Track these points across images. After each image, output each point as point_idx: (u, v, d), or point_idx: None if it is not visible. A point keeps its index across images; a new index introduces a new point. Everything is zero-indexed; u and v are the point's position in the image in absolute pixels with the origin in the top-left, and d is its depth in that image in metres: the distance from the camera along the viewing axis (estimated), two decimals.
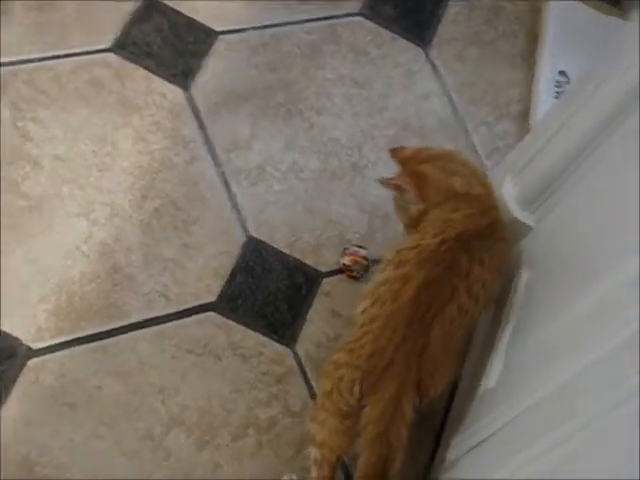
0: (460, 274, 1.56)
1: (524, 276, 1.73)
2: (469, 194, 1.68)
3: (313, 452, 1.61)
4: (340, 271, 1.92)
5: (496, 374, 1.63)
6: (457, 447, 1.64)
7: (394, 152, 1.75)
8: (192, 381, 1.76)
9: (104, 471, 1.65)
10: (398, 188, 1.71)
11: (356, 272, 1.93)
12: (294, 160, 2.05)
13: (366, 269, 1.93)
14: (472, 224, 1.63)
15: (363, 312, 1.58)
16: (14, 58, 1.97)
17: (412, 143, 1.99)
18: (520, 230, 1.82)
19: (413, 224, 1.70)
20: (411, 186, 1.69)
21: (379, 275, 1.60)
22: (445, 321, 1.54)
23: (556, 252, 1.65)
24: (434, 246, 1.58)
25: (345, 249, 1.94)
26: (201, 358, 1.79)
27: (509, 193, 1.87)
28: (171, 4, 2.12)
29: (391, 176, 1.73)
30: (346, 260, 1.93)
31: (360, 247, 1.95)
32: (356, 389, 1.54)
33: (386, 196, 1.79)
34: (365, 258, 1.93)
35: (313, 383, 1.83)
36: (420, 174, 1.70)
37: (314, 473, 1.61)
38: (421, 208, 1.69)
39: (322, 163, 2.06)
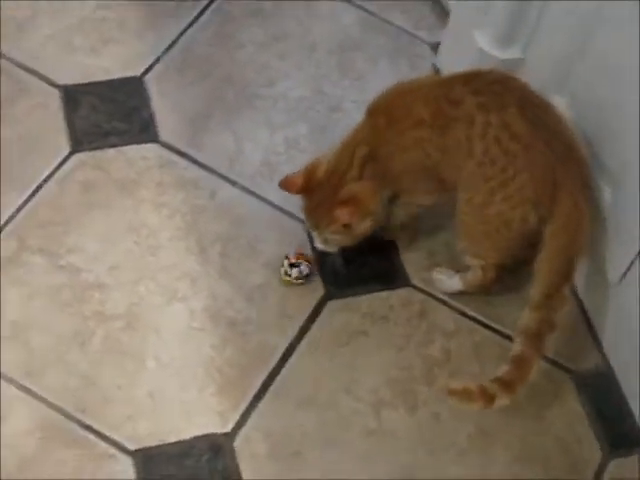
0: None
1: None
2: None
3: None
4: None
5: None
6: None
7: (286, 184, 1.73)
8: (362, 366, 1.77)
9: None
10: (345, 225, 1.69)
11: (299, 274, 1.82)
12: (285, 137, 2.02)
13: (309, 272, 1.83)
14: None
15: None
16: (7, 215, 1.86)
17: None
18: (514, 68, 1.84)
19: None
20: (352, 216, 1.68)
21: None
22: None
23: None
24: None
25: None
26: (353, 344, 1.79)
27: (484, 44, 1.89)
28: (86, 80, 2.03)
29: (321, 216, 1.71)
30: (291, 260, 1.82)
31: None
32: (531, 217, 1.60)
33: None
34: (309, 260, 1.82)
35: (445, 298, 1.84)
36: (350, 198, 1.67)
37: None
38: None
39: (307, 124, 2.03)
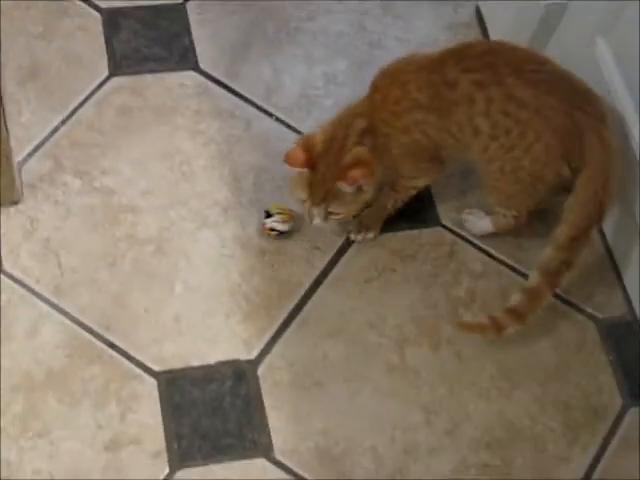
0: None
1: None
2: None
3: None
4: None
5: None
6: None
7: (291, 160, 1.65)
8: (389, 302, 1.76)
9: (385, 417, 1.66)
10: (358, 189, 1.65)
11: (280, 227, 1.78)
12: (324, 72, 2.00)
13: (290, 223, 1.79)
14: None
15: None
16: (43, 134, 1.85)
17: None
18: (557, 13, 1.81)
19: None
20: (365, 177, 1.63)
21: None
22: None
23: None
24: None
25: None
26: (381, 279, 1.79)
27: None
28: (128, 4, 2.02)
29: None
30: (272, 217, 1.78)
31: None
32: (564, 170, 1.59)
33: None
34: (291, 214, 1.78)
35: (474, 240, 1.82)
36: (359, 161, 1.63)
37: None
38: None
39: (346, 60, 2.01)
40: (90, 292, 1.68)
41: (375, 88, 1.64)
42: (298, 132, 1.89)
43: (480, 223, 1.79)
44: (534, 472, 1.62)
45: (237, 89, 1.94)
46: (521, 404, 1.67)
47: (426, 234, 1.83)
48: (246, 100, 1.93)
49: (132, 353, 1.64)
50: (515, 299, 1.62)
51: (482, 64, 1.57)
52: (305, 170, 1.62)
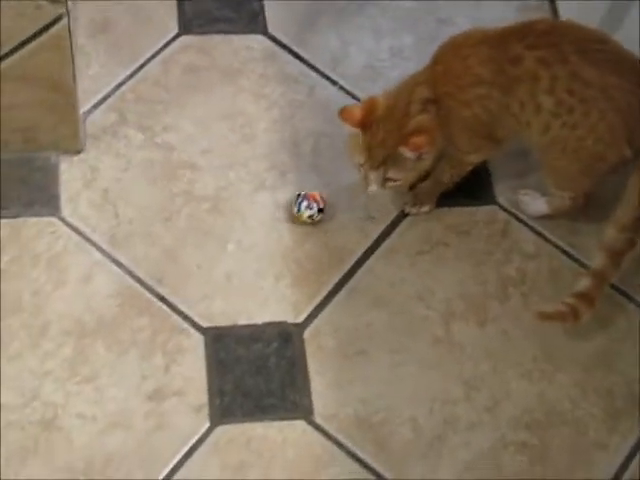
0: None
1: None
2: None
3: None
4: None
5: None
6: None
7: (346, 115, 1.64)
8: (439, 276, 1.75)
9: (426, 390, 1.66)
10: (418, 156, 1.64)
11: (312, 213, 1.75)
12: (390, 46, 2.00)
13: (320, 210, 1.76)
14: None
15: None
16: (110, 87, 1.86)
17: None
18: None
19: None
20: (427, 144, 1.62)
21: None
22: None
23: None
24: None
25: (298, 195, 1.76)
26: (433, 253, 1.78)
27: None
28: None
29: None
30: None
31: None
32: (627, 151, 1.57)
33: None
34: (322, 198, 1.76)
35: (529, 221, 1.80)
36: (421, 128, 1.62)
37: None
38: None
39: (413, 35, 2.01)
40: (144, 244, 1.69)
41: (436, 60, 1.64)
42: (360, 101, 1.87)
43: (535, 204, 1.77)
44: (572, 455, 1.61)
45: (303, 55, 1.94)
46: (563, 387, 1.66)
47: (481, 211, 1.82)
48: (311, 67, 1.93)
49: (181, 307, 1.65)
50: (584, 284, 1.62)
51: (547, 42, 1.56)
52: (359, 132, 1.60)
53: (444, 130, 1.63)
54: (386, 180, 1.65)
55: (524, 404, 1.64)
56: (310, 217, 1.74)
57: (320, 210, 1.73)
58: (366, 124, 1.60)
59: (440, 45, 1.64)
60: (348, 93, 1.91)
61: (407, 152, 1.60)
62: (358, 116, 1.59)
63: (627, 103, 1.53)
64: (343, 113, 1.60)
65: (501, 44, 1.57)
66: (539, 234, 1.80)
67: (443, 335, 1.69)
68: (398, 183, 1.66)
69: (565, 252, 1.79)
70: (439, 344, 1.68)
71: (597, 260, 1.62)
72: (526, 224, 1.81)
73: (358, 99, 1.89)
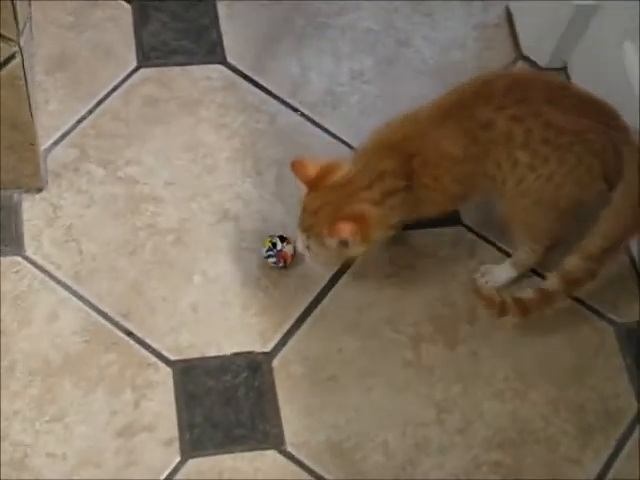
0: None
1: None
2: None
3: None
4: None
5: None
6: None
7: (299, 167, 1.60)
8: (406, 299, 1.78)
9: (398, 413, 1.68)
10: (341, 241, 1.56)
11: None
12: (350, 68, 2.02)
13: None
14: None
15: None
16: (70, 123, 1.89)
17: None
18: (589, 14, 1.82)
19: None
20: (351, 235, 1.54)
21: None
22: None
23: None
24: None
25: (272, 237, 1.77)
26: (400, 276, 1.81)
27: None
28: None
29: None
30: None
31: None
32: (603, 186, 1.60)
33: None
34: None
35: (494, 240, 1.83)
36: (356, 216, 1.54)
37: None
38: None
39: (374, 56, 2.03)
40: (109, 280, 1.71)
41: (410, 151, 1.58)
42: (323, 128, 1.91)
43: (500, 271, 1.78)
44: (545, 473, 1.63)
45: (263, 84, 1.97)
46: (535, 405, 1.69)
47: (447, 233, 1.84)
48: (272, 95, 1.95)
49: (148, 341, 1.67)
50: (527, 294, 1.65)
51: (514, 99, 1.55)
52: (304, 187, 1.57)
53: (410, 210, 1.61)
54: (308, 247, 1.61)
55: (496, 424, 1.67)
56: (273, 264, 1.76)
57: (284, 266, 1.75)
58: (315, 185, 1.56)
59: (401, 132, 1.59)
60: (310, 120, 1.92)
61: (325, 234, 1.54)
62: (310, 174, 1.56)
63: (601, 143, 1.57)
64: (296, 165, 1.57)
65: (467, 113, 1.55)
66: (505, 253, 1.82)
67: (413, 358, 1.71)
68: (319, 258, 1.62)
69: (533, 270, 1.80)
70: (409, 367, 1.70)
71: (549, 281, 1.65)
72: (492, 243, 1.83)
73: (320, 126, 1.91)
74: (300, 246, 1.62)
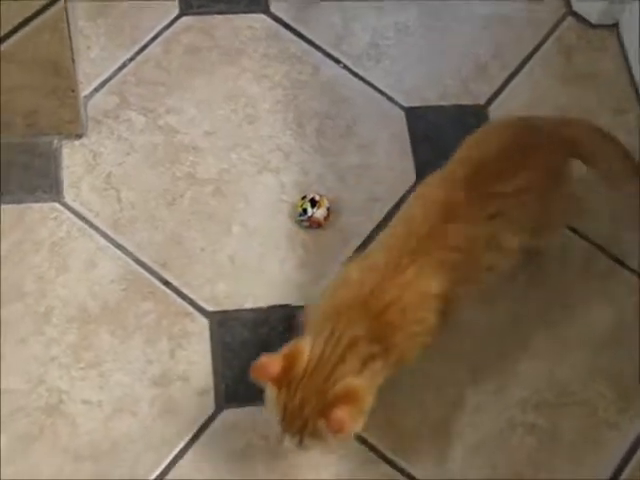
0: None
1: None
2: None
3: None
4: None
5: None
6: None
7: (260, 371, 1.38)
8: None
9: (433, 373, 1.69)
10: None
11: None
12: (395, 21, 2.01)
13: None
14: None
15: None
16: (111, 70, 1.89)
17: None
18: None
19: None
20: (352, 419, 1.36)
21: None
22: None
23: None
24: None
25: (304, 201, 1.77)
26: None
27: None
28: None
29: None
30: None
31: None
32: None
33: None
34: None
35: None
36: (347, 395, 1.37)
37: None
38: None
39: (418, 8, 2.02)
40: (148, 229, 1.72)
41: (378, 308, 1.43)
42: (365, 81, 1.91)
43: None
44: (582, 436, 1.63)
45: (306, 34, 1.96)
46: (573, 368, 1.69)
47: None
48: (315, 46, 1.95)
49: (186, 291, 1.68)
50: None
51: (460, 210, 1.49)
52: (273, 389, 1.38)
53: (394, 368, 1.47)
54: (304, 446, 1.41)
55: (533, 386, 1.67)
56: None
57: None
58: (283, 382, 1.37)
59: (366, 287, 1.44)
60: (352, 72, 1.92)
61: (326, 429, 1.35)
62: (274, 372, 1.36)
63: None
64: (256, 370, 1.37)
65: (431, 243, 1.46)
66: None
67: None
68: (316, 447, 1.43)
69: (583, 237, 1.80)
70: (447, 326, 1.69)
71: None
72: None
73: (363, 78, 1.91)
74: (290, 444, 1.41)
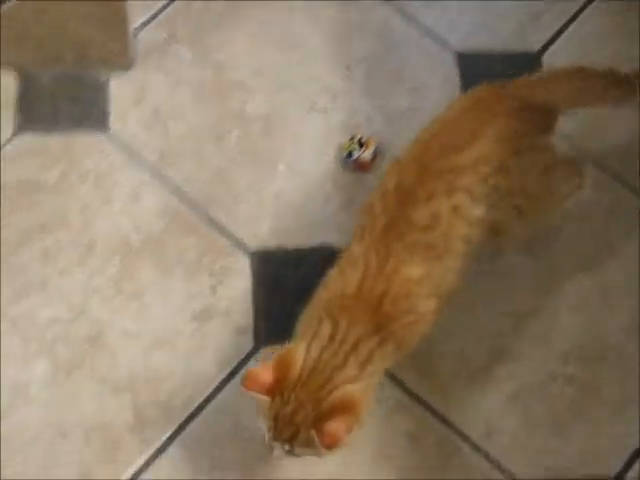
0: None
1: None
2: None
3: None
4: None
5: None
6: None
7: (250, 382, 1.30)
8: None
9: (470, 322, 1.69)
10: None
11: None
12: None
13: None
14: None
15: None
16: (161, 4, 1.90)
17: None
18: None
19: None
20: (348, 431, 1.27)
21: None
22: None
23: None
24: None
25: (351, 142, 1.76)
26: None
27: None
28: None
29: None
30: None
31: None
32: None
33: None
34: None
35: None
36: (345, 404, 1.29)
37: None
38: None
39: None
40: (194, 164, 1.72)
41: (373, 302, 1.38)
42: (417, 24, 1.88)
43: None
44: (621, 389, 1.62)
45: None
46: (616, 322, 1.67)
47: None
48: None
49: (229, 229, 1.68)
50: None
51: (431, 179, 1.42)
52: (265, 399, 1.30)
53: (390, 362, 1.42)
54: (290, 452, 1.34)
55: (575, 338, 1.66)
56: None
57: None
58: (276, 391, 1.29)
59: (354, 285, 1.39)
60: (404, 15, 1.89)
61: (318, 442, 1.26)
62: (266, 382, 1.29)
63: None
64: (247, 381, 1.29)
65: (402, 227, 1.40)
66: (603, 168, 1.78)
67: (493, 267, 1.69)
68: (306, 455, 1.35)
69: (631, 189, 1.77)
70: (489, 274, 1.68)
71: None
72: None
73: (417, 21, 1.88)
74: (278, 452, 1.35)
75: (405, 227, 1.38)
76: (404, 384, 1.59)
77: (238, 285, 1.64)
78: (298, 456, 1.34)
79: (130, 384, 1.55)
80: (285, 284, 1.64)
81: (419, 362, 1.60)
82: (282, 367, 1.29)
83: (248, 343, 1.60)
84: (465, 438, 1.56)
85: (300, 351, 1.32)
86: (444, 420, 1.57)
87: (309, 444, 1.28)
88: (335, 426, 1.24)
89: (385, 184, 1.43)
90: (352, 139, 1.72)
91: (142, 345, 1.58)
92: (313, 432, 1.25)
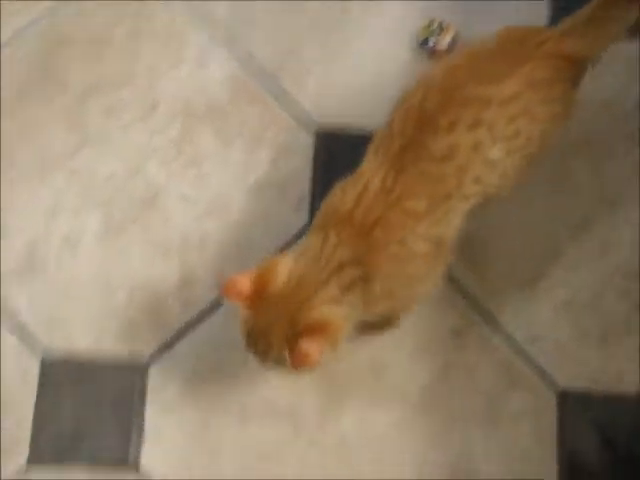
0: None
1: None
2: None
3: None
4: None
5: None
6: None
7: (229, 290, 1.26)
8: None
9: (526, 227, 1.65)
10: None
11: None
12: None
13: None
14: None
15: None
16: None
17: None
18: None
19: None
20: (320, 349, 1.23)
21: None
22: None
23: None
24: None
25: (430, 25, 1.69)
26: None
27: None
28: None
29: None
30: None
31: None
32: None
33: None
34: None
35: None
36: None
37: None
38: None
39: None
40: (265, 33, 1.69)
41: (366, 225, 1.30)
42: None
43: None
44: None
45: None
46: None
47: None
48: None
49: (295, 103, 1.65)
50: None
51: (454, 108, 1.32)
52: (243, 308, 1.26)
53: (365, 309, 1.32)
54: (263, 365, 1.31)
55: (634, 252, 1.61)
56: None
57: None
58: (253, 302, 1.26)
59: (349, 202, 1.33)
60: None
61: (289, 361, 1.23)
62: (245, 292, 1.25)
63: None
64: (225, 288, 1.26)
65: (417, 154, 1.32)
66: None
67: (554, 175, 1.65)
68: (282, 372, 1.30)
69: None
70: (549, 184, 1.64)
71: None
72: None
73: None
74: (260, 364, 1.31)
75: (421, 154, 1.30)
76: (453, 278, 1.55)
77: (297, 160, 1.63)
78: (269, 370, 1.31)
79: (181, 245, 1.56)
80: (345, 164, 1.61)
81: (470, 258, 1.57)
82: (263, 278, 1.26)
83: (303, 218, 1.60)
84: (510, 340, 1.53)
85: (284, 265, 1.28)
86: (490, 318, 1.54)
87: (280, 361, 1.25)
88: (306, 346, 1.20)
89: (410, 98, 1.34)
90: (430, 25, 1.66)
91: (196, 211, 1.59)
92: (285, 350, 1.23)
